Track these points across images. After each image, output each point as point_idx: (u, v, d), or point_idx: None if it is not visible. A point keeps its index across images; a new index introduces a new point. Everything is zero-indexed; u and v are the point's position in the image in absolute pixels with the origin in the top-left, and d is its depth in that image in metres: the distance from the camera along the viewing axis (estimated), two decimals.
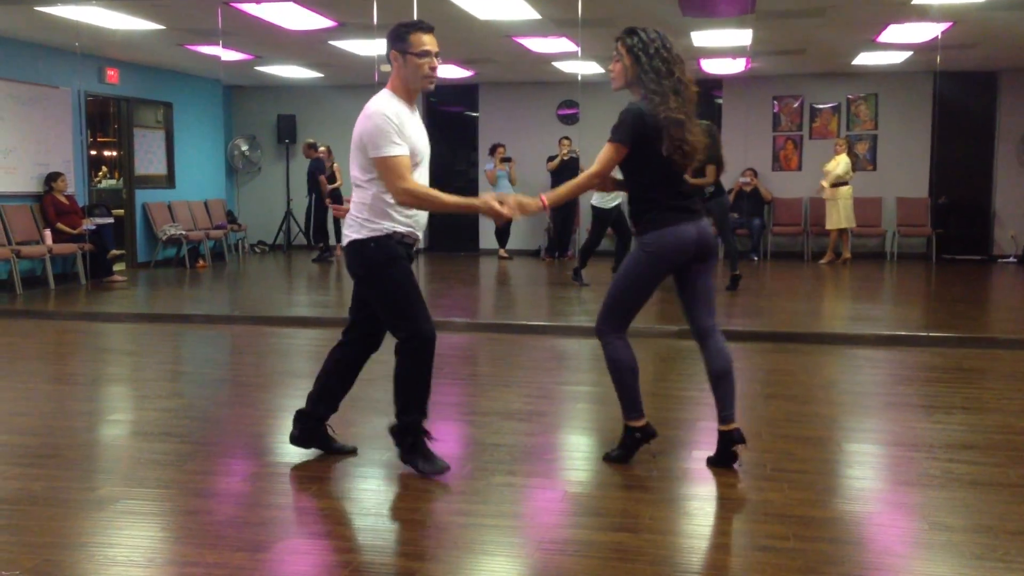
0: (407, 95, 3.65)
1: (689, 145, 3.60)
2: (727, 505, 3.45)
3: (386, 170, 3.51)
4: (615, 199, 9.35)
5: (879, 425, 4.60)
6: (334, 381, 3.93)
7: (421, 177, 3.66)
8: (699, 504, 3.46)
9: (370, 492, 3.62)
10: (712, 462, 3.82)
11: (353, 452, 4.01)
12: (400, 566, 2.88)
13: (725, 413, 3.77)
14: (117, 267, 11.05)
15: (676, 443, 4.27)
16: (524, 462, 3.91)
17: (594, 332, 3.87)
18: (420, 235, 3.78)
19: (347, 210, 3.84)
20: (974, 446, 4.13)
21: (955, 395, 5.20)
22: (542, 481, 3.70)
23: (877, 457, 4.10)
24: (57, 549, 2.99)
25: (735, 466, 3.77)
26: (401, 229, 3.64)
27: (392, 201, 3.57)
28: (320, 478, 3.77)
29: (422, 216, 3.73)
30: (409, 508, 3.45)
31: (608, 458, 3.89)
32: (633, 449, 3.86)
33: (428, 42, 3.61)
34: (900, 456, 4.04)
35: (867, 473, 3.89)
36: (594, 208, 9.50)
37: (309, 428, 3.95)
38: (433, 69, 3.61)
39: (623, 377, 3.79)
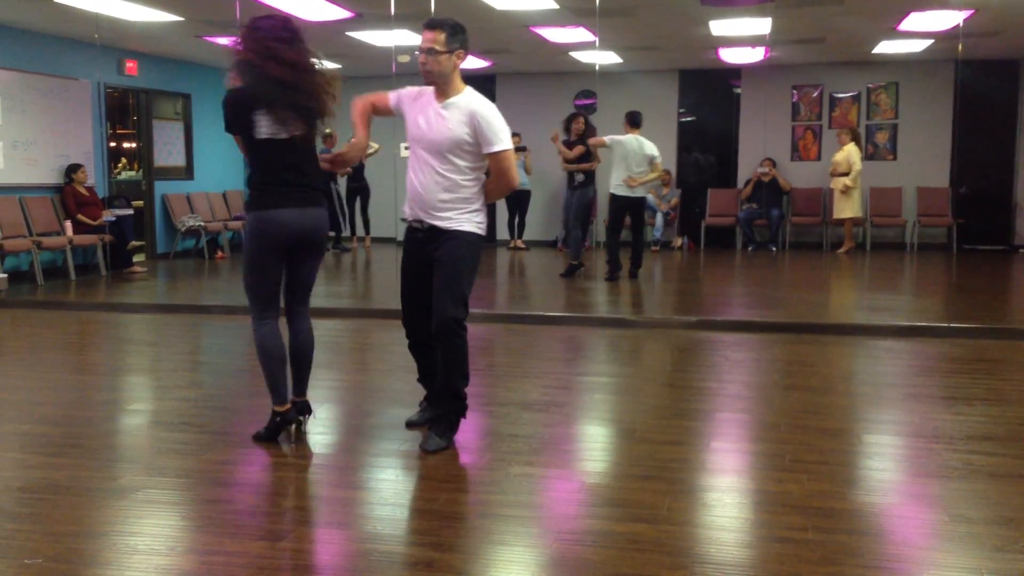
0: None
1: None
2: (746, 496, 3.44)
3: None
4: (638, 190, 9.29)
5: (899, 416, 4.58)
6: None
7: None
8: (717, 495, 3.45)
9: (389, 482, 3.64)
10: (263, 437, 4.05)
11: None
12: (419, 556, 2.88)
13: (301, 388, 4.14)
14: (137, 258, 11.13)
15: (694, 433, 4.26)
16: (542, 453, 3.92)
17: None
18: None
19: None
20: (995, 437, 4.10)
21: (976, 386, 5.17)
22: (560, 472, 3.71)
23: (897, 448, 4.08)
24: (79, 538, 3.02)
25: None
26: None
27: None
28: (339, 467, 3.78)
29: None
30: (427, 498, 3.46)
31: (257, 437, 4.07)
32: (276, 432, 4.05)
33: (422, 38, 3.83)
34: (920, 447, 4.02)
35: (887, 464, 3.87)
36: (617, 197, 9.26)
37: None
38: (422, 64, 3.82)
39: (264, 363, 4.03)
